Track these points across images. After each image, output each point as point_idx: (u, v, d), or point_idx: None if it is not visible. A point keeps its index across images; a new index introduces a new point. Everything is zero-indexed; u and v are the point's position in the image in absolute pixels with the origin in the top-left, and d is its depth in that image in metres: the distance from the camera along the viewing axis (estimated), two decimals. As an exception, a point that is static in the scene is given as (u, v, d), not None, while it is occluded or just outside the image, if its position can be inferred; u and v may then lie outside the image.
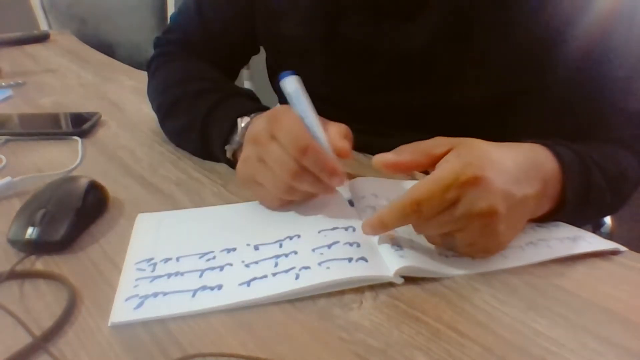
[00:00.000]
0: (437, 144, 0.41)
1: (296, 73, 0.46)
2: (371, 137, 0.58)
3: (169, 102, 0.63)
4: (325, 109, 0.65)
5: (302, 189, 0.44)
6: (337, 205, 0.48)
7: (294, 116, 0.44)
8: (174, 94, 0.63)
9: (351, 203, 0.45)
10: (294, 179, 0.43)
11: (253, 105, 0.55)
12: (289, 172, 0.42)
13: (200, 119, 0.57)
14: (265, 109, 0.46)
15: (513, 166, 0.40)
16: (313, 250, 0.41)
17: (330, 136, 0.44)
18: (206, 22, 0.69)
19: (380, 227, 0.40)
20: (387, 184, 0.50)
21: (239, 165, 0.47)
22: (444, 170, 0.38)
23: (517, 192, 0.39)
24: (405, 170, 0.43)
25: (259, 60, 0.70)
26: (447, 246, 0.41)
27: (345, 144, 0.44)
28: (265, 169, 0.44)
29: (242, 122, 0.52)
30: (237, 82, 0.71)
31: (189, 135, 0.60)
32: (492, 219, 0.38)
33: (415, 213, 0.38)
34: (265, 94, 0.73)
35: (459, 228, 0.38)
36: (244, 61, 0.75)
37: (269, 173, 0.44)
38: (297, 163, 0.42)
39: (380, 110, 0.61)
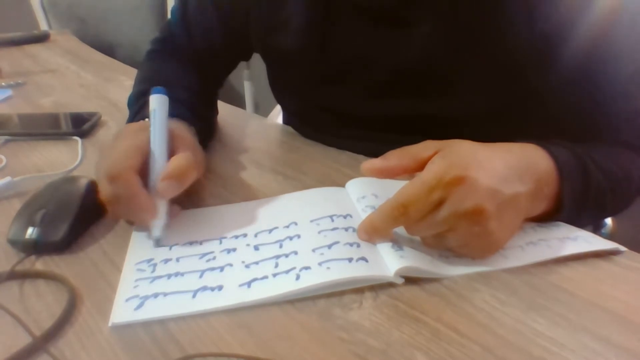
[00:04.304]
0: (425, 147, 0.42)
1: (165, 92, 0.47)
2: (371, 143, 0.58)
3: (128, 102, 0.65)
4: (323, 116, 0.65)
5: (118, 213, 0.45)
6: (338, 206, 0.48)
7: (131, 138, 0.45)
8: (132, 92, 0.65)
9: (158, 242, 0.43)
10: (107, 203, 0.43)
11: (175, 112, 0.54)
12: (103, 194, 0.43)
13: (130, 121, 0.59)
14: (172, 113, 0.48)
15: (502, 165, 0.40)
16: (313, 250, 0.41)
17: (165, 169, 0.44)
18: (189, 27, 0.70)
19: (373, 231, 0.41)
20: (388, 184, 0.50)
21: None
22: (429, 172, 0.38)
23: (506, 190, 0.39)
24: (394, 175, 0.43)
25: (259, 61, 0.70)
26: (442, 247, 0.41)
27: (164, 186, 0.43)
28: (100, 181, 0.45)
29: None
30: (237, 82, 0.71)
31: None
32: (480, 218, 0.38)
33: (403, 216, 0.39)
34: (266, 94, 0.73)
35: (449, 228, 0.39)
36: (230, 67, 0.75)
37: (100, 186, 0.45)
38: (110, 188, 0.42)
39: (377, 118, 0.61)
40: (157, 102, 0.46)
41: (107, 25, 1.70)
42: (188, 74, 0.68)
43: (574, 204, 0.44)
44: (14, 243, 0.43)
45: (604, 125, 0.53)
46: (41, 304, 0.37)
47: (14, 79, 0.98)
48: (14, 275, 0.40)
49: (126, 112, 0.62)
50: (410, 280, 0.39)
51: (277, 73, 0.69)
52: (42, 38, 1.34)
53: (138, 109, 0.59)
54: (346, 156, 0.62)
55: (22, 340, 0.33)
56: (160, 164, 0.44)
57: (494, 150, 0.41)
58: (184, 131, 0.50)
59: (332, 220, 0.45)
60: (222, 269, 0.40)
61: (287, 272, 0.39)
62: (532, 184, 0.41)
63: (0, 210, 0.50)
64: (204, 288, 0.38)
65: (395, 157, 0.42)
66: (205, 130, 0.62)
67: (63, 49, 1.25)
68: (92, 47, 1.28)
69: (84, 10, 1.69)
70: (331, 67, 0.60)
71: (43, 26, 1.72)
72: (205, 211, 0.49)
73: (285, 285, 0.38)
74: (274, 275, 0.39)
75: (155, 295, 0.37)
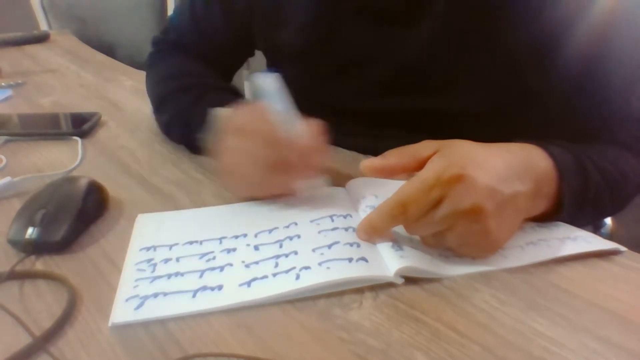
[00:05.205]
0: (424, 146, 0.42)
1: (275, 71, 0.48)
2: (371, 140, 0.58)
3: (158, 97, 0.66)
4: (324, 113, 0.65)
5: (275, 181, 0.46)
6: (338, 206, 0.48)
7: (272, 111, 0.46)
8: (162, 89, 0.65)
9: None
10: (267, 171, 0.44)
11: (232, 98, 0.56)
12: (264, 164, 0.44)
13: (184, 112, 0.59)
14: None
15: (501, 164, 0.40)
16: (313, 250, 0.41)
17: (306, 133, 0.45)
18: (198, 25, 0.70)
19: (372, 230, 0.41)
20: (388, 184, 0.50)
21: (221, 155, 0.48)
22: (428, 171, 0.39)
23: (505, 190, 0.39)
24: (393, 174, 0.43)
25: (259, 61, 0.70)
26: (441, 247, 0.41)
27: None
28: (243, 159, 0.45)
29: (220, 114, 0.53)
30: (237, 82, 0.72)
31: (174, 127, 0.64)
32: (479, 216, 0.38)
33: (402, 215, 0.39)
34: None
35: (448, 227, 0.39)
36: (238, 63, 0.76)
37: (246, 164, 0.45)
38: (272, 156, 0.43)
39: (379, 114, 0.61)
40: (278, 82, 0.47)
41: (107, 25, 1.70)
42: (206, 69, 0.69)
43: (573, 203, 0.44)
44: (14, 243, 0.43)
45: (602, 126, 0.53)
46: (41, 304, 0.37)
47: (14, 79, 0.97)
48: (14, 275, 0.40)
49: (126, 112, 0.62)
50: (410, 280, 0.39)
51: (278, 69, 0.69)
52: (42, 38, 1.34)
53: (195, 99, 0.59)
54: (346, 156, 0.62)
55: (22, 340, 0.33)
56: (298, 131, 0.46)
57: (493, 150, 0.41)
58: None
59: (332, 220, 0.45)
60: (222, 268, 0.40)
61: (287, 272, 0.39)
62: (531, 184, 0.41)
63: (0, 210, 0.50)
64: (204, 288, 0.38)
65: (395, 156, 0.43)
66: None
67: (63, 49, 1.25)
68: (92, 47, 1.28)
69: (84, 10, 1.69)
70: (332, 64, 0.60)
71: (43, 26, 1.72)
72: (205, 211, 0.49)
73: (285, 285, 0.38)
74: (274, 275, 0.39)
75: (155, 295, 0.37)
